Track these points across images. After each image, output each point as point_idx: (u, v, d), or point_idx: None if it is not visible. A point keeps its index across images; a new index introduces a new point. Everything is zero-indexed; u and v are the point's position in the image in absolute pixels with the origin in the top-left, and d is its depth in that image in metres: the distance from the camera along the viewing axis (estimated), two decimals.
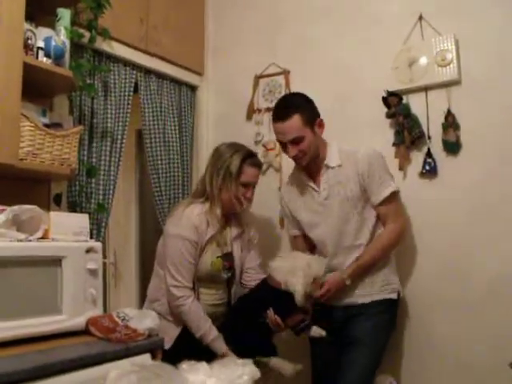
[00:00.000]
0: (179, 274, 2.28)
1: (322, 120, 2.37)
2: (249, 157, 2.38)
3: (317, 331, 2.27)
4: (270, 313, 2.25)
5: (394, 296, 2.39)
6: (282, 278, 2.24)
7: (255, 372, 1.15)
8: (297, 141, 2.30)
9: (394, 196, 2.35)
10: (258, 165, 2.43)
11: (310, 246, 2.54)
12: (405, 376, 2.59)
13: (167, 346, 2.17)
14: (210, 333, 2.24)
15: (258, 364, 2.01)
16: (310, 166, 2.41)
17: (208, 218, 2.34)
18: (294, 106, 2.32)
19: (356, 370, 2.25)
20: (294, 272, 2.22)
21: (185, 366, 1.15)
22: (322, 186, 2.39)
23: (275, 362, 2.24)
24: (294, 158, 2.38)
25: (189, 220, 2.31)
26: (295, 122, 2.28)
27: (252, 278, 2.50)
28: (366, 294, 2.35)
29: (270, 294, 2.27)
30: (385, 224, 2.36)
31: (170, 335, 2.27)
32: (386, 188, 2.32)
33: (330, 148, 2.40)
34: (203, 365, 1.15)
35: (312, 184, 2.43)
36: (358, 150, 2.35)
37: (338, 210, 2.35)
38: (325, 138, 2.43)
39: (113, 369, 1.11)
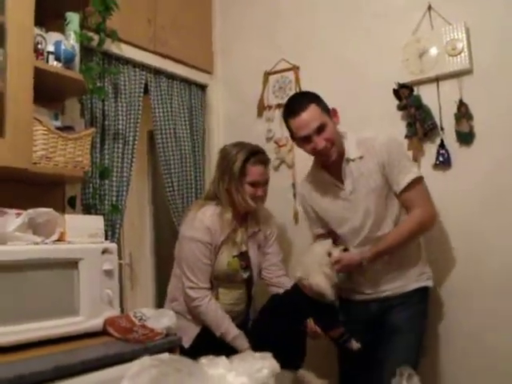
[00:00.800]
0: (194, 276, 2.30)
1: (335, 109, 2.36)
2: (252, 155, 2.36)
3: (356, 344, 2.26)
4: (311, 323, 2.24)
5: (430, 283, 2.39)
6: (302, 273, 2.24)
7: (275, 365, 1.15)
8: (321, 128, 2.22)
9: (417, 182, 2.28)
10: (262, 162, 2.40)
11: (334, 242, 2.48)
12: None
13: (187, 344, 2.19)
14: (230, 331, 2.26)
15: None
16: (329, 162, 2.34)
17: (221, 219, 2.36)
18: (308, 98, 2.29)
19: (402, 353, 2.22)
20: (314, 267, 2.22)
21: (204, 360, 1.16)
22: (346, 182, 2.33)
23: (303, 373, 2.19)
24: (324, 151, 2.27)
25: (202, 222, 2.33)
26: (314, 110, 2.23)
27: (274, 275, 2.53)
28: (402, 284, 2.34)
29: (306, 301, 2.24)
30: (409, 212, 2.31)
31: (189, 334, 2.30)
32: (407, 175, 2.26)
33: (347, 140, 2.35)
34: (222, 359, 1.16)
35: (335, 181, 2.37)
36: (375, 138, 2.31)
37: (365, 203, 2.31)
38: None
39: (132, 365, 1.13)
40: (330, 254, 2.24)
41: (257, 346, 2.14)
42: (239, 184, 2.34)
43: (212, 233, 2.33)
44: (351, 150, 2.32)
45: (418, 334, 2.33)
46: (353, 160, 2.32)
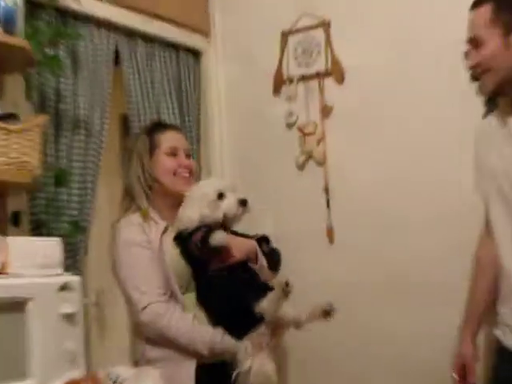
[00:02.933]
0: (143, 292, 2.35)
1: None
2: (156, 125, 2.61)
3: (220, 237, 2.32)
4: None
5: None
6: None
7: None
8: (475, 43, 2.12)
9: None
10: (171, 126, 2.65)
11: None
12: None
13: None
14: (215, 336, 2.31)
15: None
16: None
17: (147, 224, 2.45)
18: None
19: None
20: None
21: None
22: None
23: (287, 309, 2.30)
24: (476, 75, 2.18)
25: (128, 224, 2.44)
26: (482, 13, 2.11)
27: None
28: None
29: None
30: None
31: (187, 374, 2.34)
32: None
33: None
34: None
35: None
36: None
37: None
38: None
39: None
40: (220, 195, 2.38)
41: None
42: (154, 162, 2.48)
43: (145, 230, 2.42)
44: None
45: None
46: None
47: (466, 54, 2.16)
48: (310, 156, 3.12)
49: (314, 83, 3.11)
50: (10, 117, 2.23)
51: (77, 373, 1.98)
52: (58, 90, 2.66)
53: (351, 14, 3.04)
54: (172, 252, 2.40)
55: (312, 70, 3.11)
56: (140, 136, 2.56)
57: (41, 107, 2.58)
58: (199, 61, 3.41)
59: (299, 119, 3.15)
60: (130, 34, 3.01)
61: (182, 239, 2.35)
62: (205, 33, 3.40)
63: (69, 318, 1.98)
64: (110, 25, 2.89)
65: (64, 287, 1.99)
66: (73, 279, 2.04)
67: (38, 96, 2.59)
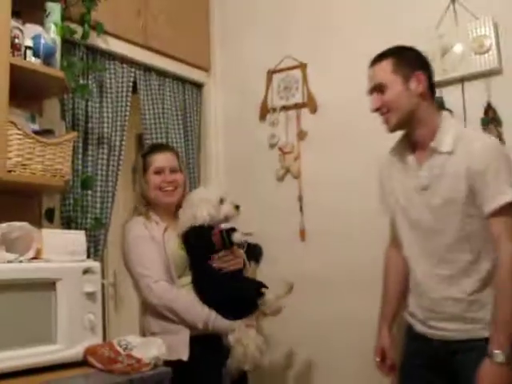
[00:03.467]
0: (152, 273, 2.35)
1: (421, 75, 2.11)
2: (152, 148, 2.65)
3: (239, 236, 2.41)
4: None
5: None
6: (183, 217, 2.45)
7: None
8: (380, 88, 2.14)
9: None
10: (160, 148, 2.64)
11: None
12: None
13: (185, 357, 2.27)
14: (210, 315, 2.31)
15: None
16: (411, 141, 2.19)
17: (149, 224, 2.46)
18: (391, 51, 2.19)
19: None
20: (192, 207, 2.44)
21: None
22: (423, 171, 2.12)
23: (268, 300, 2.36)
24: (379, 113, 2.17)
25: (135, 223, 2.46)
26: (383, 66, 2.14)
27: None
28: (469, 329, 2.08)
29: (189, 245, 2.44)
30: (497, 245, 2.00)
31: (182, 343, 2.32)
32: (502, 195, 1.97)
33: (445, 127, 2.11)
34: None
35: (412, 160, 2.18)
36: (476, 139, 2.08)
37: (436, 211, 2.10)
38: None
39: None
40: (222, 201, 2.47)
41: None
42: (145, 180, 2.51)
43: (149, 228, 2.43)
44: (444, 140, 2.08)
45: None
46: (440, 153, 2.09)
47: (372, 99, 2.19)
48: (287, 170, 3.13)
49: (293, 112, 3.12)
50: (47, 132, 2.24)
51: (95, 340, 2.00)
52: (87, 112, 2.67)
53: (324, 58, 3.05)
54: (172, 246, 2.42)
55: (291, 102, 3.12)
56: (139, 158, 2.59)
57: (72, 125, 2.58)
58: (201, 91, 3.41)
59: (280, 141, 3.16)
60: (146, 68, 3.01)
61: (198, 232, 2.39)
62: (206, 69, 3.41)
63: (90, 295, 2.00)
64: (129, 61, 2.90)
65: (87, 271, 2.01)
66: (94, 264, 2.06)
67: (71, 116, 2.59)
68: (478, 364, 1.94)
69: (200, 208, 2.41)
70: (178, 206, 2.53)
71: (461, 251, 2.07)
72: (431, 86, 2.18)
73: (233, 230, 2.42)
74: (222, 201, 2.45)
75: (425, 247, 2.16)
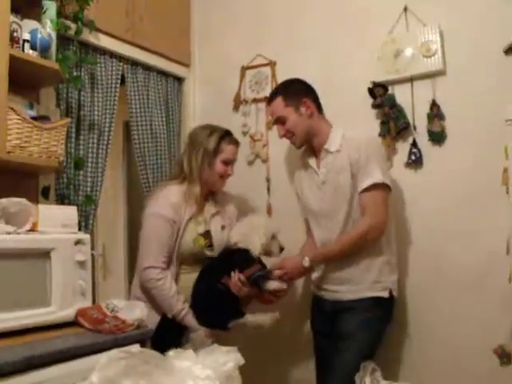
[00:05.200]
0: (151, 254, 2.31)
1: (307, 101, 2.41)
2: (227, 134, 2.50)
3: (274, 284, 2.34)
4: (234, 274, 2.31)
5: (384, 294, 2.33)
6: (239, 237, 2.38)
7: (239, 359, 1.18)
8: (281, 120, 2.44)
9: (377, 188, 2.28)
10: (236, 142, 2.54)
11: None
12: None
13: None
14: (181, 311, 2.29)
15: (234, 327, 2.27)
16: (312, 148, 2.49)
17: (186, 197, 2.40)
18: (279, 89, 2.53)
19: (341, 367, 2.21)
20: (251, 230, 2.36)
21: (172, 353, 1.19)
22: (321, 169, 2.42)
23: (250, 318, 2.32)
24: (287, 139, 2.50)
25: (167, 199, 2.37)
26: (277, 102, 2.45)
27: None
28: (354, 290, 2.33)
29: (228, 255, 2.38)
30: (363, 215, 2.31)
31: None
32: (369, 178, 2.27)
33: (334, 132, 2.42)
34: (189, 352, 1.19)
35: (313, 163, 2.47)
36: (356, 137, 2.36)
37: (331, 198, 2.37)
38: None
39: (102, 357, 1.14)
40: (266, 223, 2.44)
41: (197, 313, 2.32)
42: (212, 161, 2.43)
43: (177, 209, 2.36)
44: (333, 143, 2.39)
45: (364, 344, 2.25)
46: (331, 152, 2.39)
47: (278, 129, 2.50)
48: (257, 156, 3.13)
49: (262, 105, 3.10)
50: (44, 118, 2.21)
51: (86, 303, 2.00)
52: (79, 100, 2.63)
53: (291, 57, 3.05)
54: (188, 239, 2.38)
55: (261, 95, 3.11)
56: (213, 136, 2.45)
57: (66, 112, 2.54)
58: (182, 84, 3.38)
59: (251, 129, 3.16)
60: (133, 63, 2.97)
61: (248, 258, 2.31)
62: (186, 64, 3.37)
63: (81, 264, 2.00)
64: (118, 56, 2.86)
65: (78, 242, 2.00)
66: (85, 236, 2.06)
67: (65, 104, 2.54)
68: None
69: (259, 237, 2.33)
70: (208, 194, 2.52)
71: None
72: (318, 105, 2.48)
73: (268, 275, 2.33)
74: (273, 237, 2.39)
75: (324, 230, 2.44)
